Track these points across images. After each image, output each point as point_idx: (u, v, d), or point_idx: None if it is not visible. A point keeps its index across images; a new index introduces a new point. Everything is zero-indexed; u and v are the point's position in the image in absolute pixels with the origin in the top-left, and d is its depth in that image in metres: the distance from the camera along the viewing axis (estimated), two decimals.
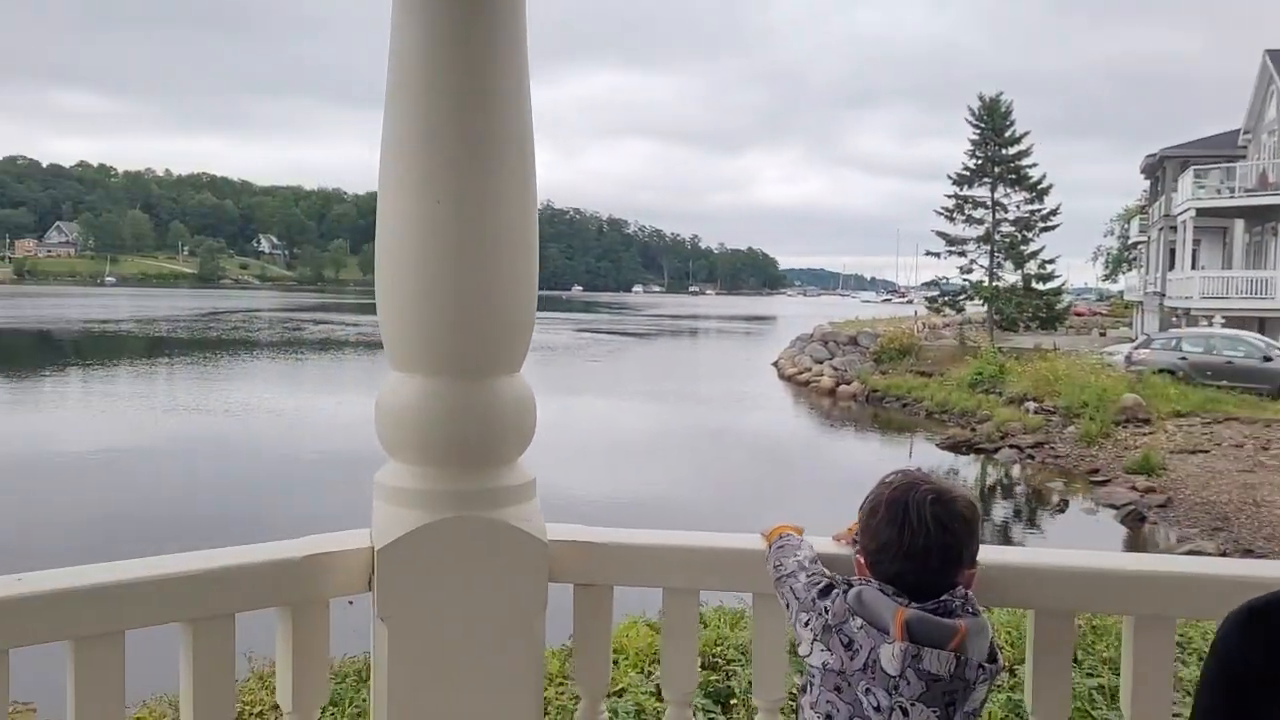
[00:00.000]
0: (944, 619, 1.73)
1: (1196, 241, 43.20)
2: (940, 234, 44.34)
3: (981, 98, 43.28)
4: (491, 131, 2.03)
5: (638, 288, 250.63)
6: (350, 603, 2.19)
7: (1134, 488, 19.61)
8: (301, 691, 2.07)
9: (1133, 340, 47.94)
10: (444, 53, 2.00)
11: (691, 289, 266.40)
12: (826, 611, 1.80)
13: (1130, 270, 70.48)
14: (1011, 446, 24.97)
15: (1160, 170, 49.28)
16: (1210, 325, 35.62)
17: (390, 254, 2.08)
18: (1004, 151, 42.91)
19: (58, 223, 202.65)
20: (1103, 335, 56.14)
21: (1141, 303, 53.47)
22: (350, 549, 2.09)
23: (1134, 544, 17.13)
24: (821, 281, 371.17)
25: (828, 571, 1.91)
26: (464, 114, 2.01)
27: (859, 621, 1.74)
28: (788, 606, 1.93)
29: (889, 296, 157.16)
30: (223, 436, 25.59)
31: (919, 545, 1.76)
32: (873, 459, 26.59)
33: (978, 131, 43.22)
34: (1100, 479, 21.22)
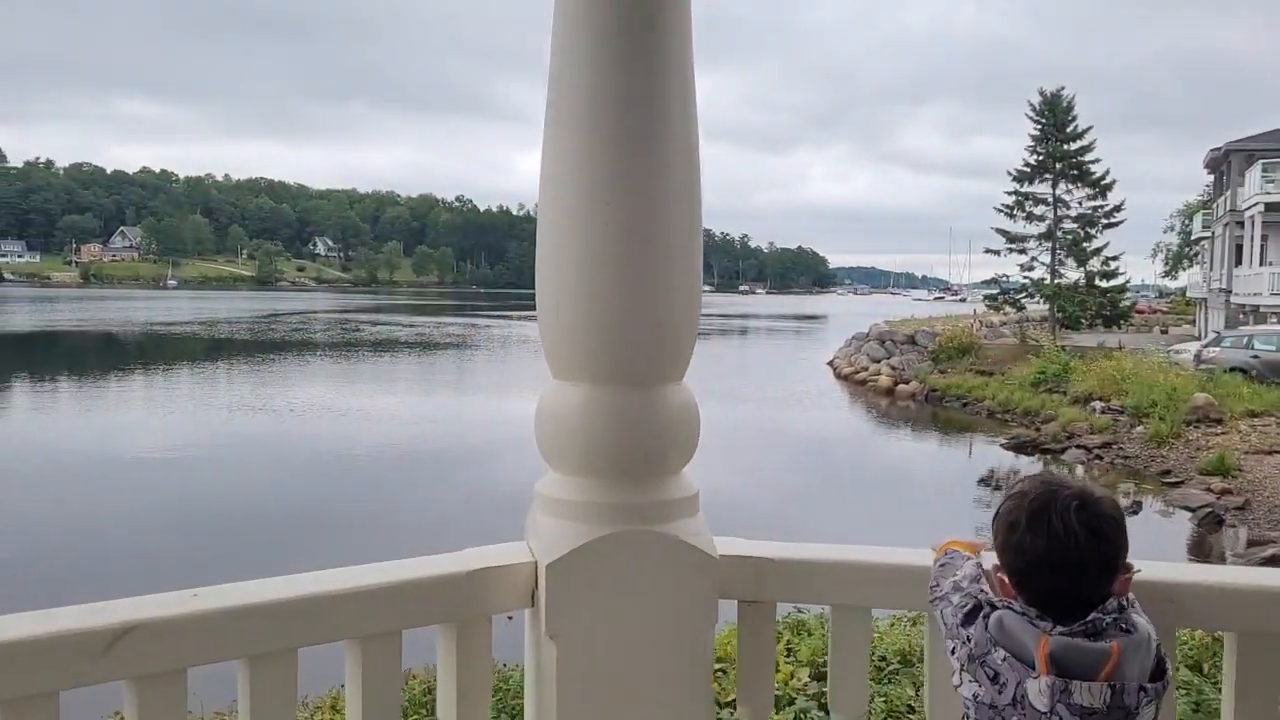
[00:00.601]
0: (1093, 643, 1.59)
1: (1264, 237, 42.15)
2: (1000, 231, 43.69)
3: (1042, 93, 42.54)
4: (660, 132, 1.98)
5: None
6: (510, 618, 2.14)
7: (1209, 489, 19.14)
8: (465, 710, 2.02)
9: (1197, 338, 47.00)
10: (612, 51, 1.95)
11: (741, 288, 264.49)
12: (969, 640, 1.68)
13: (1191, 266, 69.07)
14: (1078, 447, 24.51)
15: (1225, 164, 48.22)
16: None
17: (554, 258, 2.03)
18: (1065, 147, 42.14)
19: (122, 227, 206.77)
20: (1164, 333, 55.06)
21: (1206, 300, 52.36)
22: (514, 564, 2.04)
23: (1207, 547, 16.75)
24: (872, 280, 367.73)
25: (985, 590, 1.76)
26: (634, 114, 1.95)
27: (1002, 653, 1.62)
28: (940, 630, 1.84)
29: (941, 295, 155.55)
30: (290, 436, 25.95)
31: (1073, 558, 1.62)
32: (939, 459, 26.31)
33: (1038, 127, 42.48)
34: (1173, 480, 20.77)
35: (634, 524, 2.00)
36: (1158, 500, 19.95)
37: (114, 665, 1.67)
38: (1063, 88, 42.68)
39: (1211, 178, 55.72)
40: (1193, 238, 64.03)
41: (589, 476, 2.02)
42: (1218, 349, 32.47)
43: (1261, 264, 41.47)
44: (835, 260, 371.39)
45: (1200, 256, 60.09)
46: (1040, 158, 42.61)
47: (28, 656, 1.61)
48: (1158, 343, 43.94)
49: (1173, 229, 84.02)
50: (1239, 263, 44.45)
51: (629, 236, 1.97)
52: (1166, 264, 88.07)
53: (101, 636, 1.66)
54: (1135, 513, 19.72)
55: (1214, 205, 53.13)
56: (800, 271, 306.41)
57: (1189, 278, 67.18)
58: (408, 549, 2.15)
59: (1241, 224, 44.38)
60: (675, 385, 2.07)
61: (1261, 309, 39.68)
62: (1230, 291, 44.48)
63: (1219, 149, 48.11)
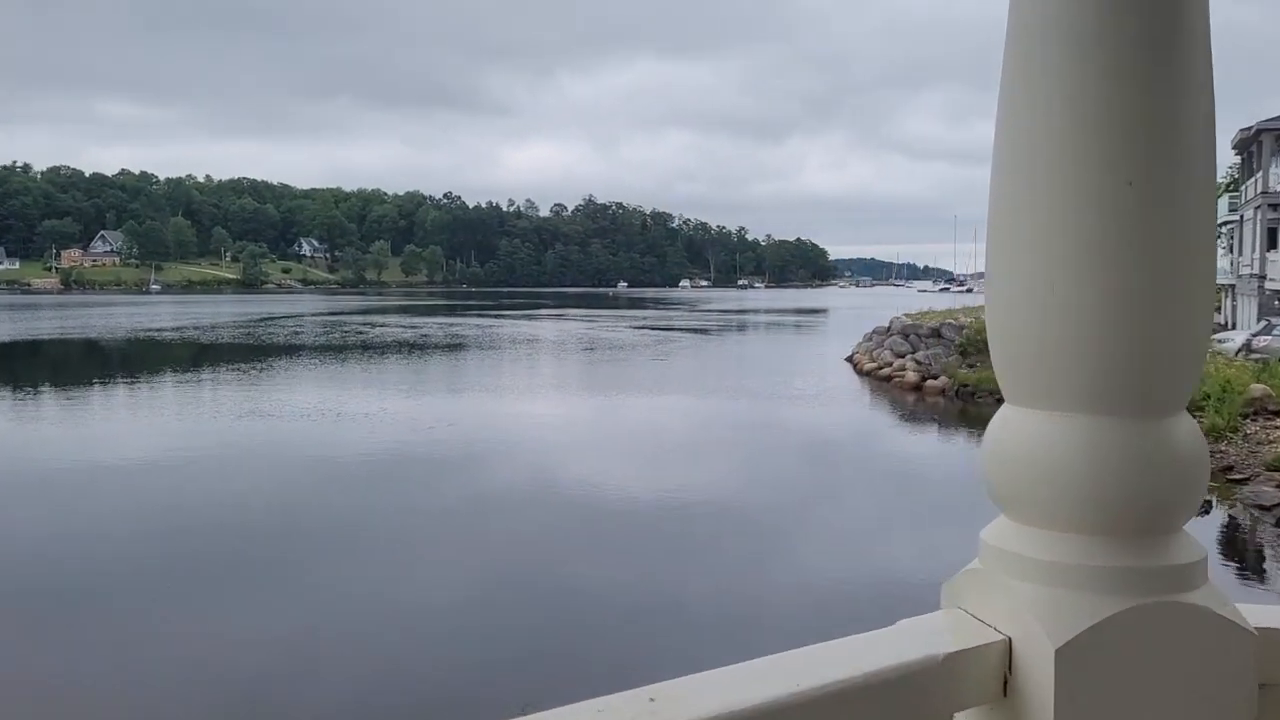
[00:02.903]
0: None
1: None
2: None
3: None
4: (1182, 85, 1.45)
5: (685, 282, 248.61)
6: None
7: None
8: None
9: (1224, 326, 45.56)
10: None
11: (740, 282, 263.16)
12: None
13: None
14: None
15: (1256, 144, 46.84)
16: None
17: (1029, 251, 1.49)
18: None
19: (102, 231, 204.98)
20: None
21: (1234, 286, 50.90)
22: (981, 645, 1.49)
23: None
24: (873, 271, 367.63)
25: None
26: (1153, 95, 1.42)
27: None
28: None
29: (946, 285, 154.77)
30: (313, 441, 25.13)
31: None
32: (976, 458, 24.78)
33: None
34: (1238, 476, 19.65)
35: (1157, 595, 1.53)
36: (1227, 499, 18.66)
37: None
38: None
39: (1239, 159, 54.19)
40: (1218, 221, 62.62)
41: (1084, 533, 1.54)
42: (1269, 337, 31.15)
43: None
44: (835, 251, 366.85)
45: (1226, 241, 58.42)
46: None
47: None
48: None
49: None
50: (1273, 246, 43.04)
51: (1152, 230, 1.44)
52: None
53: None
54: (1206, 513, 18.29)
55: (1243, 187, 51.65)
56: (800, 264, 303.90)
57: None
58: None
59: (1275, 206, 43.03)
60: (1182, 415, 1.58)
61: None
62: (1264, 277, 43.05)
63: (1249, 129, 46.76)
